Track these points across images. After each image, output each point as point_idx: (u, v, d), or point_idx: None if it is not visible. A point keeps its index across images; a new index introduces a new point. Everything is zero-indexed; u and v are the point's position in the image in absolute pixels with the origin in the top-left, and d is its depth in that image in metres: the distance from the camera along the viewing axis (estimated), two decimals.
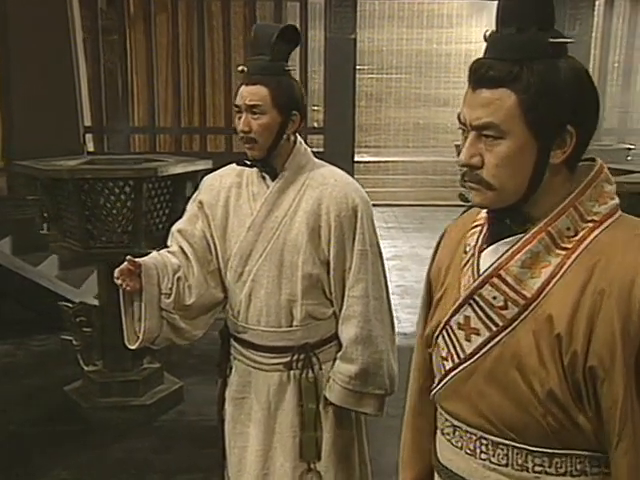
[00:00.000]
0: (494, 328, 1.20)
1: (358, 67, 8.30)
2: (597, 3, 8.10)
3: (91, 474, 3.33)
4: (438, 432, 1.35)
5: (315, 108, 8.85)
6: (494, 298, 1.19)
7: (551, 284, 1.15)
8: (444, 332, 1.28)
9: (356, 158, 8.26)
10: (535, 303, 1.16)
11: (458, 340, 1.25)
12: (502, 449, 1.21)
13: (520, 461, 1.19)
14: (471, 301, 1.22)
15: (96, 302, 3.99)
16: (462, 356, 1.24)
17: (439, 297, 1.34)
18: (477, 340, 1.22)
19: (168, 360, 4.01)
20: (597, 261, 1.13)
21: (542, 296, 1.16)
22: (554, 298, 1.15)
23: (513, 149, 1.14)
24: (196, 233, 2.13)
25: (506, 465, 1.21)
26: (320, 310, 2.09)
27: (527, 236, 1.18)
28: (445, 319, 1.27)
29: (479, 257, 1.25)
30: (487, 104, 1.13)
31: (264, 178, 2.10)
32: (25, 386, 4.29)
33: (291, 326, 2.07)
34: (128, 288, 1.96)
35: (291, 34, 2.00)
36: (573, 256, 1.15)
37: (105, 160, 4.03)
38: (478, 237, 1.28)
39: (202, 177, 2.27)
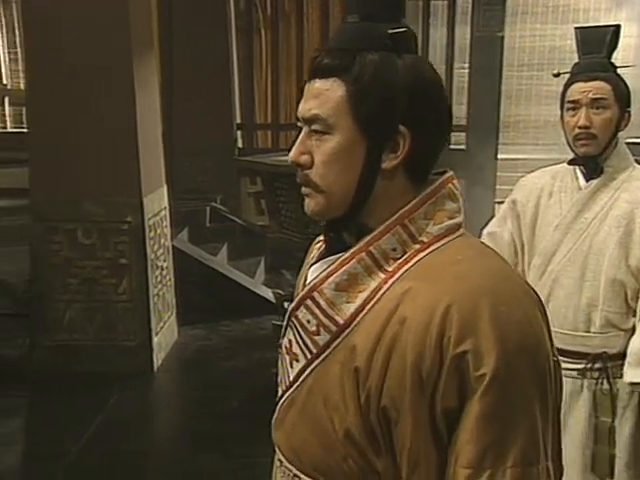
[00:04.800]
0: (309, 356, 1.08)
1: None
2: None
3: None
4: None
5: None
6: (308, 322, 1.07)
7: (365, 310, 1.02)
8: (280, 353, 1.17)
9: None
10: (347, 331, 1.03)
11: (285, 365, 1.14)
12: None
13: None
14: (291, 323, 1.11)
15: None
16: (287, 384, 1.13)
17: None
18: (297, 367, 1.11)
19: None
20: (409, 288, 1.00)
21: (354, 324, 1.03)
22: (363, 326, 1.02)
23: (340, 146, 1.03)
24: (505, 235, 2.19)
25: None
26: (620, 319, 2.04)
27: (346, 255, 1.05)
28: (280, 340, 1.17)
29: (307, 273, 1.16)
30: (317, 95, 1.04)
31: (577, 179, 2.09)
32: (229, 367, 4.55)
33: (588, 331, 2.05)
34: None
35: (618, 34, 2.07)
36: (391, 280, 1.02)
37: None
38: (320, 249, 1.18)
39: None
